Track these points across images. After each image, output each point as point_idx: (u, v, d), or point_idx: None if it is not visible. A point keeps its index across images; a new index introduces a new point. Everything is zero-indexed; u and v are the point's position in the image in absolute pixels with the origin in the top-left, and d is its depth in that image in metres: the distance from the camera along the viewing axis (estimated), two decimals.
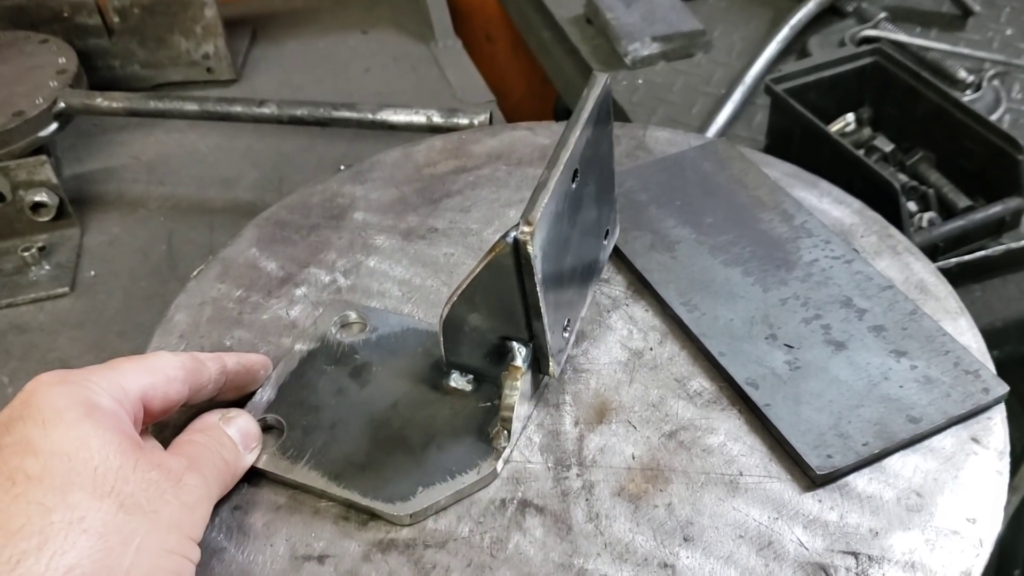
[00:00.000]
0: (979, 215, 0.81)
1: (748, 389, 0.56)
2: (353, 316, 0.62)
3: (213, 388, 0.54)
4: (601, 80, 0.55)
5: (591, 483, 0.53)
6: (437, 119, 0.89)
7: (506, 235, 0.49)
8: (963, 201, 0.85)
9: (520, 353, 0.54)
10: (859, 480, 0.52)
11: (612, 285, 0.65)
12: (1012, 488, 0.82)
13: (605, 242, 0.63)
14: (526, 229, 0.48)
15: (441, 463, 0.53)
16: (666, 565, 0.49)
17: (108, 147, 1.06)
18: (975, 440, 0.54)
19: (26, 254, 0.89)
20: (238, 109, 0.91)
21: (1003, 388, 0.55)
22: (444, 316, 0.53)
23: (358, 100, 0.93)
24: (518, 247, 0.49)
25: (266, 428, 0.56)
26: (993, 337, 0.65)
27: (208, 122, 1.02)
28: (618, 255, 0.66)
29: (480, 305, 0.53)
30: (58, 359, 0.82)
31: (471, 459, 0.53)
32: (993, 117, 0.95)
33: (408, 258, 0.68)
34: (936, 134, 0.87)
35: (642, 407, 0.57)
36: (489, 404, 0.56)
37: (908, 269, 0.65)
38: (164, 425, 0.55)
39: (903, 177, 0.88)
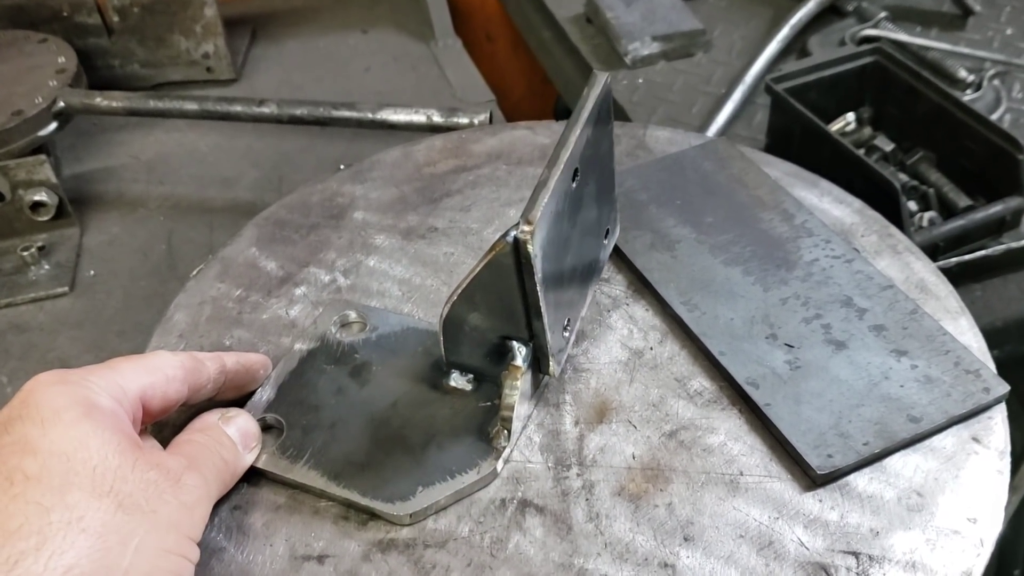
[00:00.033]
0: (979, 215, 0.81)
1: (748, 389, 0.56)
2: (353, 315, 0.62)
3: (212, 388, 0.54)
4: (601, 79, 0.55)
5: (591, 483, 0.53)
6: (437, 118, 0.88)
7: (506, 234, 0.49)
8: (963, 201, 0.85)
9: (520, 353, 0.54)
10: (860, 480, 0.52)
11: (612, 284, 0.65)
12: (1012, 488, 0.82)
13: (605, 241, 0.63)
14: (526, 228, 0.48)
15: (441, 463, 0.53)
16: (666, 565, 0.49)
17: (108, 147, 1.06)
18: (976, 440, 0.54)
19: (25, 254, 0.89)
20: (238, 108, 0.91)
21: (1004, 388, 0.55)
22: (444, 315, 0.53)
23: (358, 99, 0.92)
24: (518, 246, 0.49)
25: (265, 428, 0.55)
26: (993, 337, 0.65)
27: (208, 122, 1.02)
28: (618, 254, 0.66)
29: (480, 304, 0.53)
30: (57, 359, 0.82)
31: (471, 459, 0.53)
32: (993, 117, 0.95)
33: (408, 257, 0.68)
34: (936, 134, 0.87)
35: (642, 407, 0.56)
36: (489, 404, 0.56)
37: (908, 268, 0.65)
38: (163, 425, 0.55)
39: (903, 176, 0.88)
